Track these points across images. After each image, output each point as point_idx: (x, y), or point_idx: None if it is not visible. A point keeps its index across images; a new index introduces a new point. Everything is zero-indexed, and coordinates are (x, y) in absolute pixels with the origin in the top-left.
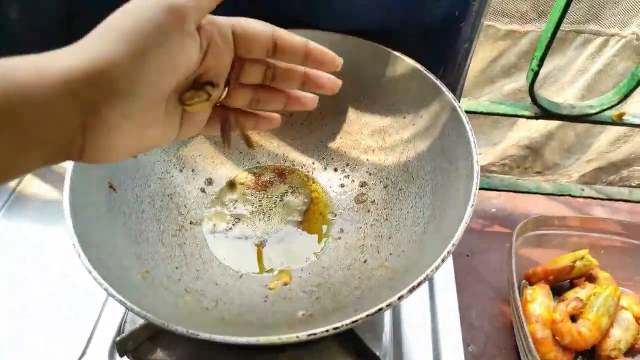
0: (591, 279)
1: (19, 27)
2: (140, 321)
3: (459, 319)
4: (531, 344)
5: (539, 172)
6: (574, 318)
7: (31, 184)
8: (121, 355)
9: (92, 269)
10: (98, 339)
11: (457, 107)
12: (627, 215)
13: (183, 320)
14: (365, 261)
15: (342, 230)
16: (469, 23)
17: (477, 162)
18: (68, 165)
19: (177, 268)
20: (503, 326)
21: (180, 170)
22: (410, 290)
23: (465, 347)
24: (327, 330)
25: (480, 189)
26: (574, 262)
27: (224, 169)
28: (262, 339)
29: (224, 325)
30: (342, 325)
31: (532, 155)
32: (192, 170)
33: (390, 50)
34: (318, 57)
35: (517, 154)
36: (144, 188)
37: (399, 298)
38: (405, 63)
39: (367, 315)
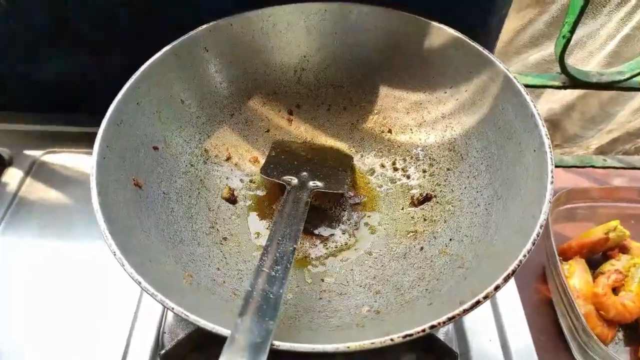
0: (624, 250)
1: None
2: (180, 332)
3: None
4: (583, 319)
5: (557, 145)
6: (614, 291)
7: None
8: None
9: (141, 278)
10: (135, 350)
11: (512, 77)
12: None
13: None
14: (422, 248)
15: (387, 217)
16: None
17: (546, 135)
18: (92, 166)
19: (218, 269)
20: (539, 304)
21: (205, 163)
22: (506, 279)
23: None
24: (424, 330)
25: None
26: (607, 233)
27: (250, 157)
28: (353, 345)
29: (288, 331)
30: (439, 323)
31: (551, 128)
32: (217, 162)
33: (427, 20)
34: None
35: None
36: (170, 184)
37: (496, 288)
38: (445, 33)
39: (465, 310)
